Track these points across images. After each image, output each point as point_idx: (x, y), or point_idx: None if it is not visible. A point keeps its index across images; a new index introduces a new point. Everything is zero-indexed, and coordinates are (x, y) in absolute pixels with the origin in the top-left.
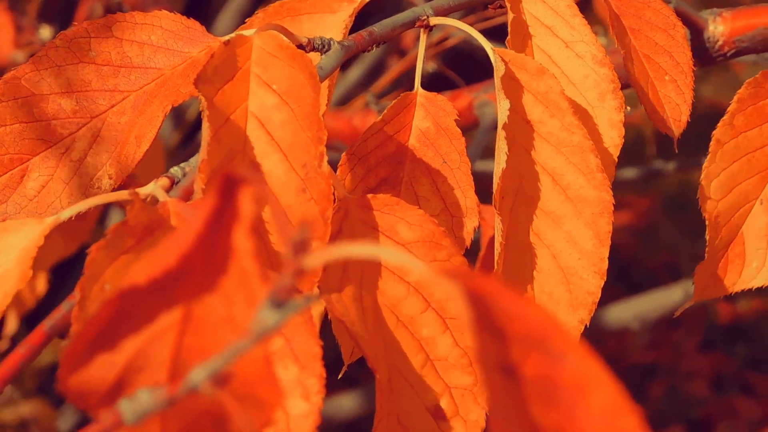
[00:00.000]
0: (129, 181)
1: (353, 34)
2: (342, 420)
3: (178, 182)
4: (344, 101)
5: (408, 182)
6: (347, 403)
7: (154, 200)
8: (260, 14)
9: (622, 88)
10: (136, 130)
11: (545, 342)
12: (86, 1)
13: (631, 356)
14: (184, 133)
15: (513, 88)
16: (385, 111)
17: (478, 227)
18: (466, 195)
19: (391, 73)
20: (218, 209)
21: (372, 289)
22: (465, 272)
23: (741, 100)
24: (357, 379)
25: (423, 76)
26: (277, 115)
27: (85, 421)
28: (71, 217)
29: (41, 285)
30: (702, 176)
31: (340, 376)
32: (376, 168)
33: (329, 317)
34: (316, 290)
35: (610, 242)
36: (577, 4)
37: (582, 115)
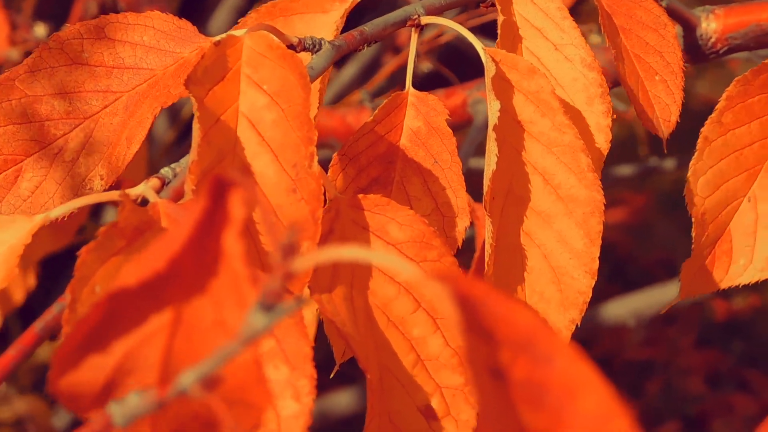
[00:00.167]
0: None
1: (344, 34)
2: (338, 416)
3: (168, 183)
4: (339, 99)
5: (399, 182)
6: (343, 399)
7: (145, 201)
8: (252, 15)
9: (613, 87)
10: (127, 132)
11: (534, 345)
12: (81, 0)
13: (626, 353)
14: (178, 131)
15: (503, 88)
16: (376, 111)
17: (472, 226)
18: (457, 195)
19: (386, 70)
20: (209, 212)
21: (363, 289)
22: (454, 275)
23: (730, 97)
24: (353, 376)
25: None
26: (267, 115)
27: (80, 419)
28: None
29: (31, 280)
30: (689, 174)
31: (331, 375)
32: (367, 168)
33: (320, 317)
34: (306, 291)
35: (600, 242)
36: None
37: (573, 115)
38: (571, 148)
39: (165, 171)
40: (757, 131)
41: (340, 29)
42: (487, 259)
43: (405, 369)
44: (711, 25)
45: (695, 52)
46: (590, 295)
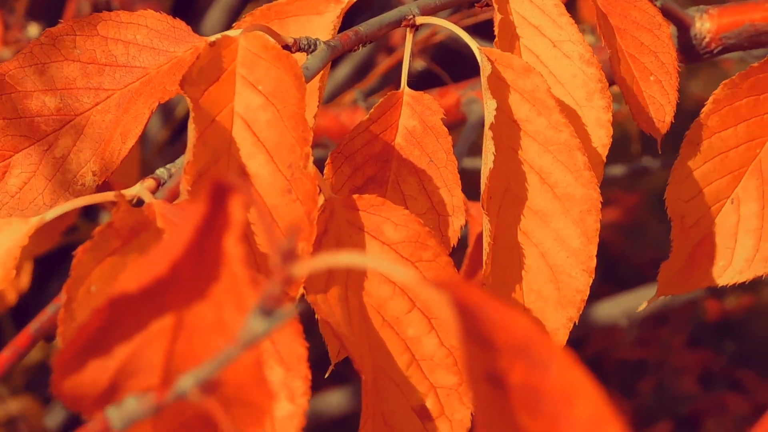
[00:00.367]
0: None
1: (339, 34)
2: (331, 416)
3: (163, 183)
4: (333, 98)
5: (394, 181)
6: (336, 399)
7: (140, 202)
8: (247, 18)
9: (608, 86)
10: (121, 128)
11: (530, 351)
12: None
13: (619, 353)
14: (172, 131)
15: (499, 87)
16: (372, 110)
17: (466, 224)
18: (452, 193)
19: (379, 70)
20: (209, 216)
21: (357, 289)
22: (452, 282)
23: (717, 101)
24: (347, 376)
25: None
26: (262, 115)
27: (72, 418)
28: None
29: (24, 280)
30: (670, 177)
31: (326, 375)
32: (362, 167)
33: (316, 317)
34: (301, 290)
35: (598, 240)
36: (563, 3)
37: (569, 113)
38: (567, 146)
39: (160, 171)
40: (744, 133)
41: (337, 30)
42: (485, 257)
43: (400, 369)
44: (705, 24)
45: (689, 51)
46: (588, 293)
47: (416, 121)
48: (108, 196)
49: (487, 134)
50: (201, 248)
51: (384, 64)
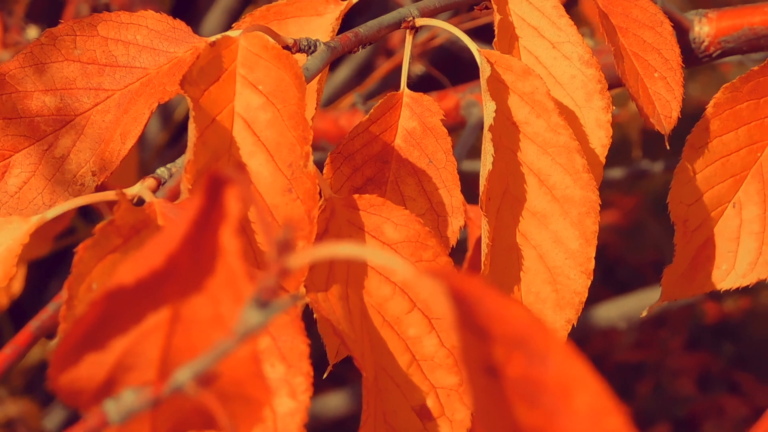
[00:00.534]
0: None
1: (339, 36)
2: (329, 418)
3: (164, 183)
4: (331, 102)
5: (394, 182)
6: (334, 401)
7: (141, 201)
8: (247, 18)
9: (608, 89)
10: (121, 128)
11: (528, 342)
12: (73, 1)
13: (617, 355)
14: (171, 133)
15: (499, 89)
16: (372, 110)
17: (465, 227)
18: (451, 194)
19: (378, 73)
20: (205, 209)
21: (358, 288)
22: (448, 272)
23: (718, 104)
24: (344, 378)
25: (410, 78)
26: (262, 115)
27: (71, 420)
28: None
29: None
30: (673, 181)
31: (325, 375)
32: (362, 167)
33: (315, 316)
34: (302, 289)
35: (596, 242)
36: (563, 4)
37: (568, 116)
38: (566, 148)
39: (161, 171)
40: (745, 137)
41: (336, 31)
42: (483, 259)
43: (400, 369)
44: (704, 28)
45: (688, 55)
46: (586, 295)
47: (416, 122)
48: (109, 195)
49: (487, 136)
50: (197, 241)
51: (383, 67)
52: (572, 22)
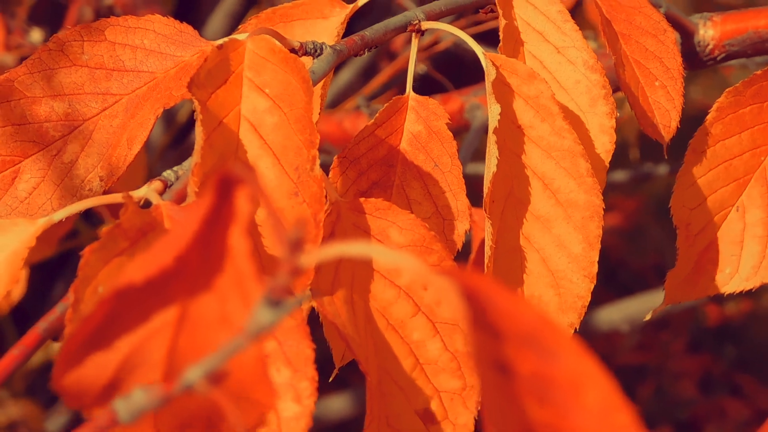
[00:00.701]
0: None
1: (345, 38)
2: (331, 421)
3: (171, 185)
4: (335, 104)
5: (399, 185)
6: (336, 404)
7: (147, 204)
8: (253, 20)
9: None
10: (128, 133)
11: (539, 339)
12: (76, 4)
13: (619, 358)
14: (173, 135)
15: (504, 92)
16: (377, 114)
17: (469, 230)
18: (457, 198)
19: (382, 76)
20: (215, 208)
21: (363, 292)
22: (460, 271)
23: (721, 108)
24: (346, 381)
25: (413, 79)
26: (269, 118)
27: (74, 422)
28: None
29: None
30: (675, 185)
31: (330, 379)
32: (367, 171)
33: (321, 320)
34: (308, 292)
35: (599, 246)
36: (567, 9)
37: (573, 120)
38: (570, 152)
39: (167, 173)
40: (748, 141)
41: (342, 35)
42: (486, 261)
43: (404, 372)
44: (708, 32)
45: (693, 59)
46: (589, 299)
47: (421, 125)
48: (116, 197)
49: (491, 139)
50: (206, 241)
51: (387, 69)
52: (577, 27)
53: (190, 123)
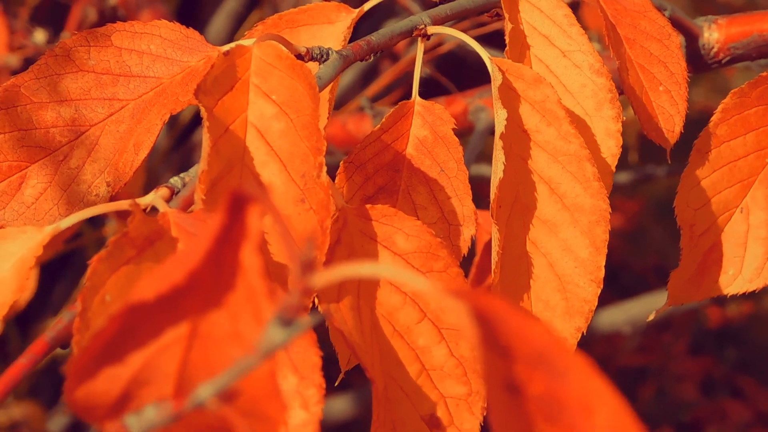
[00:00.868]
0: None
1: (351, 44)
2: (333, 422)
3: (177, 192)
4: (337, 106)
5: (405, 190)
6: (338, 405)
7: (154, 210)
8: (259, 26)
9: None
10: (135, 138)
11: (550, 360)
12: (79, 5)
13: (620, 359)
14: (175, 137)
15: (510, 97)
16: (383, 119)
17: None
18: (463, 203)
19: (385, 78)
20: (226, 225)
21: (369, 298)
22: (472, 292)
23: (726, 109)
24: (348, 382)
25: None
26: (276, 125)
27: (75, 424)
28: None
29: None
30: (679, 185)
31: (336, 383)
32: (373, 176)
33: (327, 325)
34: (315, 299)
35: (606, 250)
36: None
37: (579, 124)
38: (576, 157)
39: (174, 180)
40: (753, 143)
41: (348, 40)
42: (493, 266)
43: (409, 378)
44: (713, 35)
45: (697, 62)
46: (596, 303)
47: (427, 130)
48: (122, 204)
49: (498, 144)
50: (218, 258)
51: (390, 71)
52: (583, 31)
53: (193, 124)
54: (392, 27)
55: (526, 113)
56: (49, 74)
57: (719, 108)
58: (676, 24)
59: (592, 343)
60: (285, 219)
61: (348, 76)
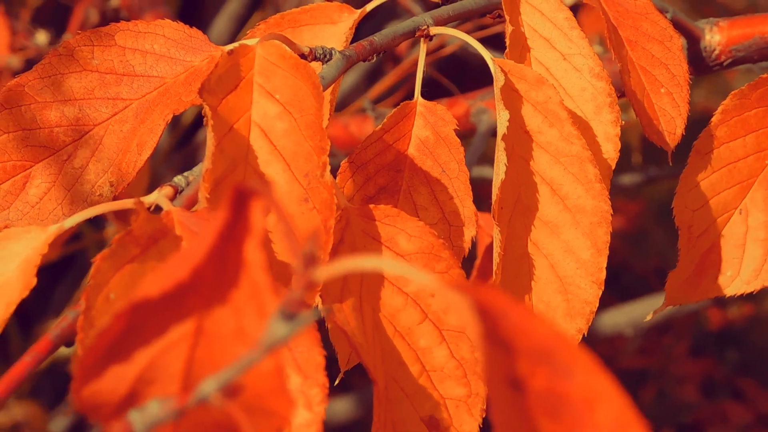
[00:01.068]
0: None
1: (354, 44)
2: (334, 423)
3: (181, 191)
4: (340, 107)
5: (407, 191)
6: (339, 406)
7: (158, 209)
8: (261, 26)
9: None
10: (138, 138)
11: (553, 356)
12: (81, 6)
13: (621, 361)
14: (178, 137)
15: (512, 98)
16: (385, 119)
17: (475, 235)
18: (464, 204)
19: (387, 79)
20: (230, 222)
21: (371, 299)
22: (472, 285)
23: (725, 111)
24: (349, 383)
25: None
26: (279, 124)
27: (77, 424)
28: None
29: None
30: (678, 186)
31: (336, 383)
32: (375, 176)
33: (328, 326)
34: (318, 300)
35: (607, 252)
36: None
37: (581, 125)
38: (578, 158)
39: (178, 179)
40: (752, 144)
41: (350, 40)
42: (495, 268)
43: (411, 379)
44: (715, 37)
45: (699, 64)
46: (597, 304)
47: (429, 131)
48: (126, 203)
49: (500, 145)
50: (222, 254)
51: (393, 73)
52: (584, 35)
53: (195, 124)
54: (395, 27)
55: (528, 114)
56: (53, 74)
57: (719, 109)
58: (678, 26)
59: (593, 345)
60: (289, 218)
61: (350, 78)
